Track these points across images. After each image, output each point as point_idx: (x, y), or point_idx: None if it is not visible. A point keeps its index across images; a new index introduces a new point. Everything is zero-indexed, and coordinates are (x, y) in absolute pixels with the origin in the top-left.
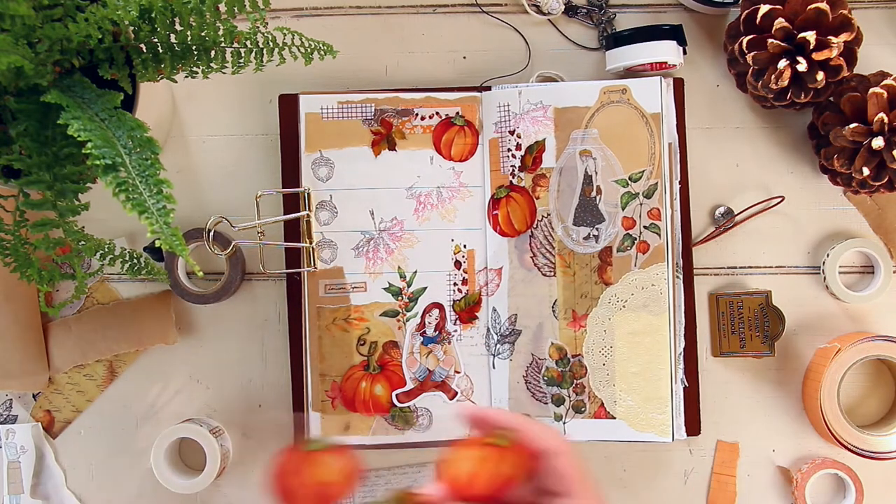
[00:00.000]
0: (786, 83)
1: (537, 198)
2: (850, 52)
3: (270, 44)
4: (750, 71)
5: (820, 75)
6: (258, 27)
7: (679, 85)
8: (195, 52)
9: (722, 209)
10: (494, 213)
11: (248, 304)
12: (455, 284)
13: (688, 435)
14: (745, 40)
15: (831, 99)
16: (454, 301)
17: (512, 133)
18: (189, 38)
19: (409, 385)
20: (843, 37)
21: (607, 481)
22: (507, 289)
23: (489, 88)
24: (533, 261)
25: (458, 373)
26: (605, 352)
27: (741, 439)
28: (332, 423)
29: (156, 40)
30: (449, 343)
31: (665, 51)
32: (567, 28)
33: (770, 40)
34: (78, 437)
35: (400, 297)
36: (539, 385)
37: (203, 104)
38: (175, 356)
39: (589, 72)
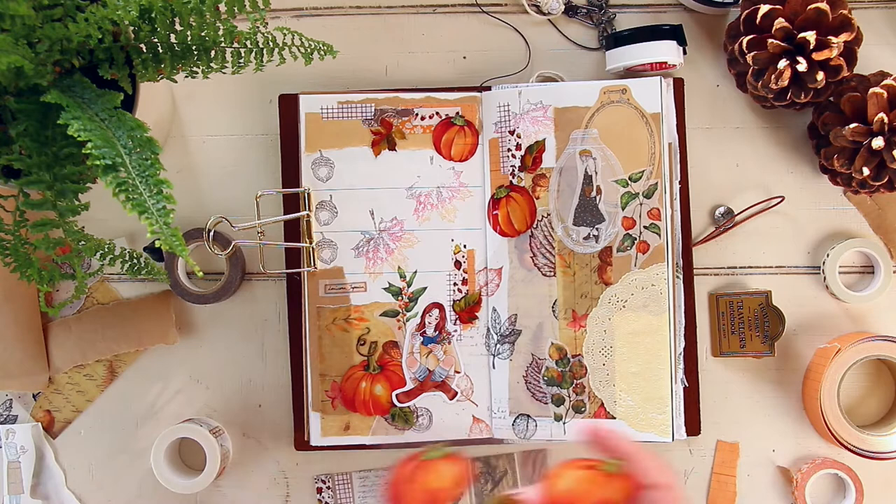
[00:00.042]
0: (786, 83)
1: (537, 198)
2: (850, 52)
3: (270, 44)
4: (750, 71)
5: (820, 75)
6: (258, 27)
7: (679, 85)
8: (195, 52)
9: (722, 209)
10: (494, 213)
11: (248, 304)
12: (455, 284)
13: (688, 435)
14: (745, 40)
15: (831, 99)
16: (454, 301)
17: (512, 133)
18: (189, 38)
19: (409, 385)
20: (843, 37)
21: None
22: (507, 289)
23: (489, 88)
24: (533, 261)
25: (458, 373)
26: (605, 352)
27: (741, 439)
28: (332, 423)
29: (156, 40)
30: (449, 343)
31: (665, 51)
32: (567, 28)
33: (770, 40)
34: (78, 437)
35: (400, 297)
36: (539, 385)
37: (203, 104)
38: (175, 356)
39: (589, 72)
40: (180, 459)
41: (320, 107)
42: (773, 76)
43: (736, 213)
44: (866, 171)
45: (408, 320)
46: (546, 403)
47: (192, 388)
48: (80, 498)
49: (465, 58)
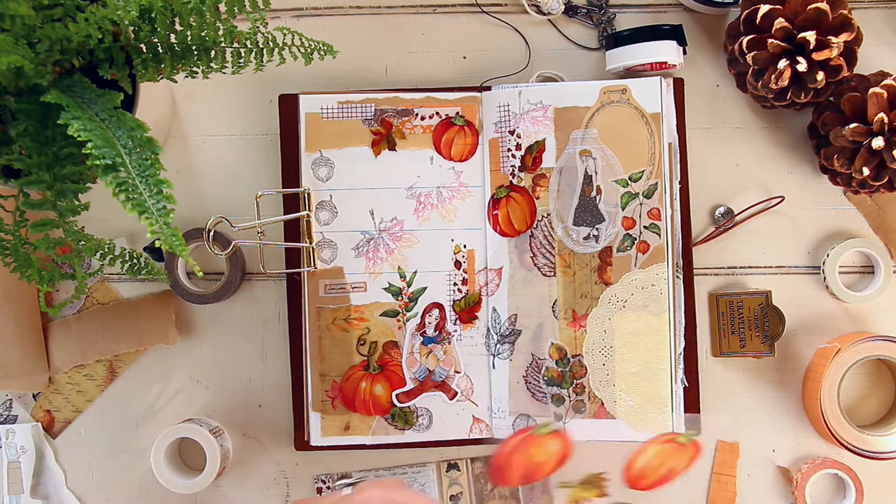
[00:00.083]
0: (786, 83)
1: (537, 198)
2: (850, 52)
3: (270, 44)
4: (750, 71)
5: (820, 75)
6: (258, 27)
7: (679, 85)
8: (195, 52)
9: (722, 209)
10: (494, 213)
11: (248, 304)
12: (455, 284)
13: None
14: (745, 40)
15: (831, 99)
16: (454, 301)
17: (512, 133)
18: (189, 38)
19: (409, 385)
20: (843, 37)
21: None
22: (507, 289)
23: (489, 88)
24: (533, 261)
25: (458, 373)
26: (605, 352)
27: (741, 439)
28: (332, 423)
29: (156, 40)
30: (449, 343)
31: (665, 51)
32: (567, 28)
33: (770, 40)
34: (78, 437)
35: (400, 297)
36: (539, 385)
37: (203, 104)
38: (175, 356)
39: (589, 72)
40: (180, 459)
41: (320, 107)
42: (773, 76)
43: (736, 213)
44: (866, 171)
45: (408, 320)
46: (546, 403)
47: (192, 388)
48: (80, 498)
49: (465, 58)
